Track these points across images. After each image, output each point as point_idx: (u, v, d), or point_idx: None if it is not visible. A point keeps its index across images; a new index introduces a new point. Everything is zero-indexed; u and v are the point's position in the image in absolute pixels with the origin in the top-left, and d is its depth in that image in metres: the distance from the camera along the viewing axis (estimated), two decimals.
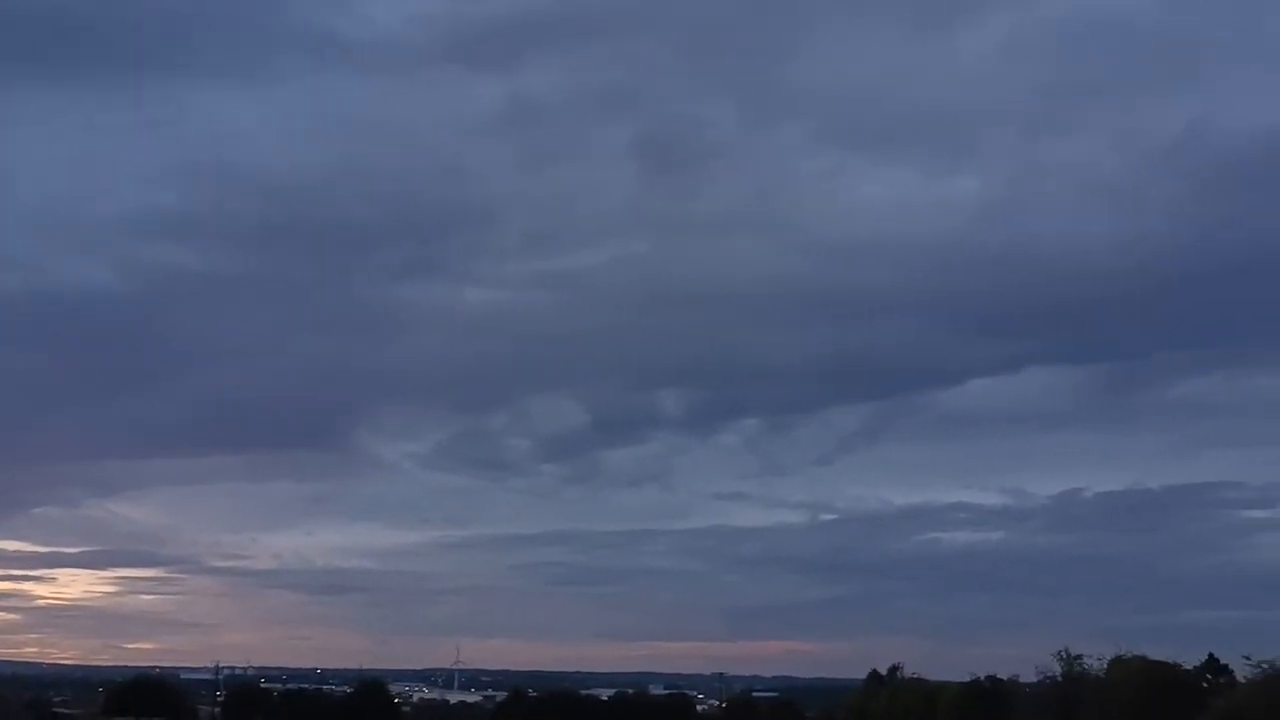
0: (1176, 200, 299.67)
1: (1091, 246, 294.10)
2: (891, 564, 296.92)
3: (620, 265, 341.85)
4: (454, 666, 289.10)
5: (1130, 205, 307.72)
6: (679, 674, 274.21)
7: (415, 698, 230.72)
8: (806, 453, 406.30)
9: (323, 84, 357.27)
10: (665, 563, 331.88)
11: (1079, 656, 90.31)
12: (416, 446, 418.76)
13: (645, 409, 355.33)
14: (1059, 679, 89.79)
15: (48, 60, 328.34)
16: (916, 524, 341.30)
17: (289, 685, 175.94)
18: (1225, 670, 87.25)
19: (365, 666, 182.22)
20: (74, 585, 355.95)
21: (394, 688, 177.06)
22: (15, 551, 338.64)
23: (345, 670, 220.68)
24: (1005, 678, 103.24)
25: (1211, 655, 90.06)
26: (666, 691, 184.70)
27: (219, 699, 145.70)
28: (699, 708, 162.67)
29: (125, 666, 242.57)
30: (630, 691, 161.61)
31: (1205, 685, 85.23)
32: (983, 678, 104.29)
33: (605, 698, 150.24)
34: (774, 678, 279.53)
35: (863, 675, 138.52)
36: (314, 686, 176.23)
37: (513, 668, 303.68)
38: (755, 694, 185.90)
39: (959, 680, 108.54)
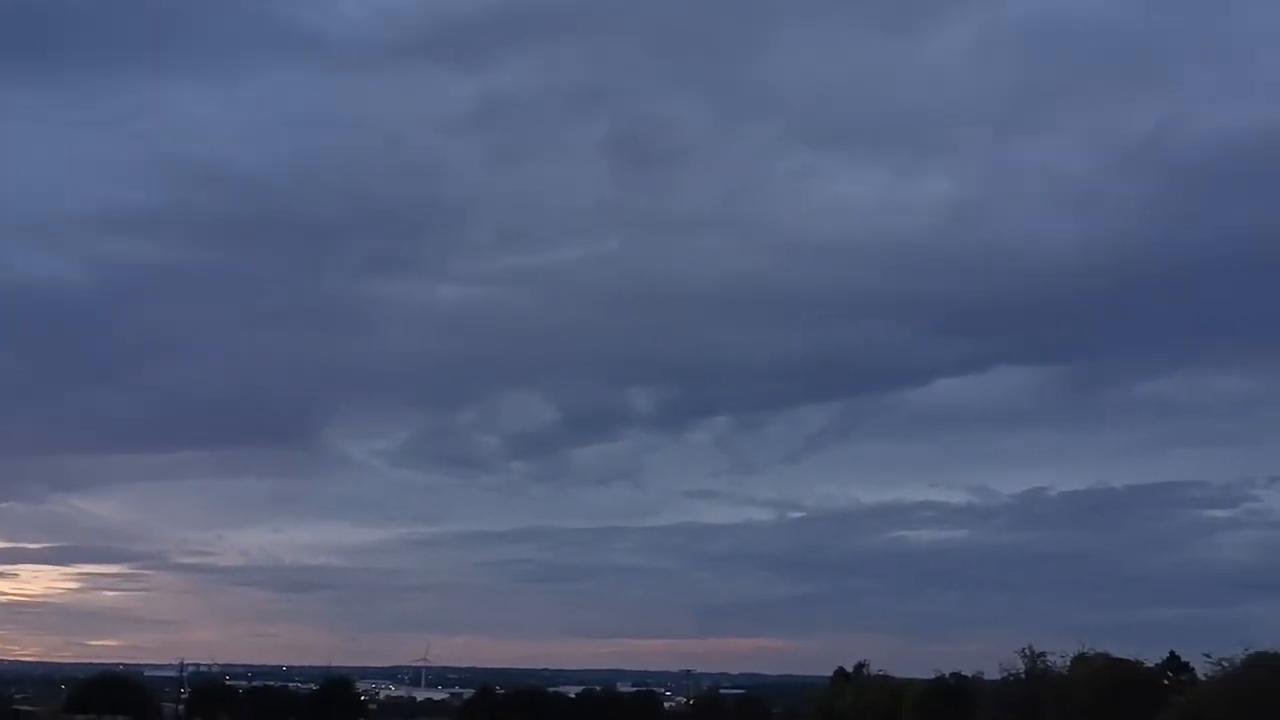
0: (1143, 201, 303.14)
1: (1058, 247, 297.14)
2: (859, 562, 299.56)
3: (591, 263, 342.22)
4: (421, 664, 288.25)
5: (1097, 206, 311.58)
6: (647, 671, 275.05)
7: (382, 695, 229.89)
8: (776, 451, 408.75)
9: (291, 79, 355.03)
10: (634, 560, 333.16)
11: (1042, 654, 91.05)
12: (385, 443, 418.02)
13: (615, 406, 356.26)
14: (1022, 676, 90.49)
15: (11, 54, 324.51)
16: (884, 522, 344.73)
17: (254, 683, 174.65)
18: (1186, 668, 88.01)
19: (331, 664, 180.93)
20: (36, 581, 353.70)
21: (360, 685, 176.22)
22: None
23: (311, 668, 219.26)
24: (970, 675, 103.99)
25: (1173, 653, 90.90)
26: (634, 689, 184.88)
27: (183, 696, 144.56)
28: (666, 705, 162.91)
29: (88, 664, 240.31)
30: (598, 689, 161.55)
31: (1166, 683, 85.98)
32: (948, 675, 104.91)
33: (573, 695, 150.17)
34: (742, 675, 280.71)
35: (830, 672, 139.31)
36: (280, 684, 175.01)
37: (480, 665, 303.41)
38: (723, 691, 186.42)
39: (925, 677, 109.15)
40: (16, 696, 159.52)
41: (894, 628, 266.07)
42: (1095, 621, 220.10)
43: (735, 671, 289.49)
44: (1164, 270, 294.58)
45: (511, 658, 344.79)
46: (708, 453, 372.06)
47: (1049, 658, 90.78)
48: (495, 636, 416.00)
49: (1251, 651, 73.90)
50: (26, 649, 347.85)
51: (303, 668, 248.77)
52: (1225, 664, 75.70)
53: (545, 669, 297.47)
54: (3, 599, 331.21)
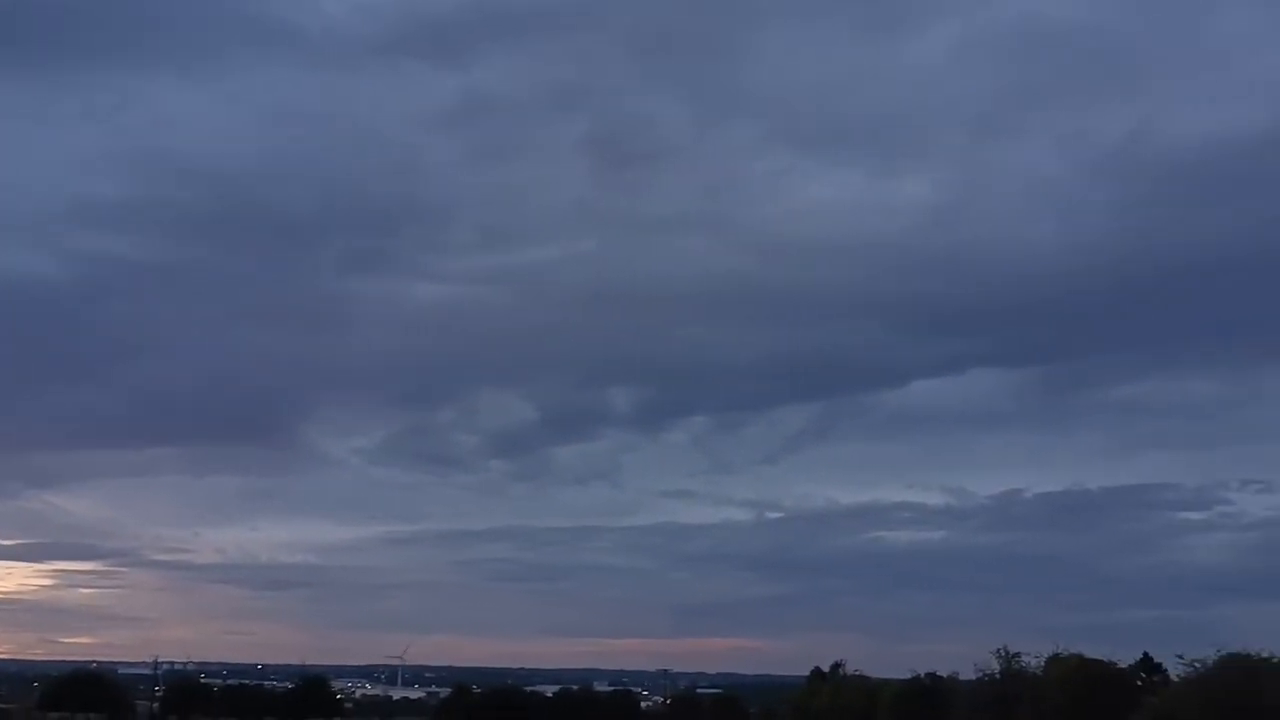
0: (1118, 205, 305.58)
1: (1035, 250, 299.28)
2: (836, 562, 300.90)
3: (570, 262, 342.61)
4: (397, 662, 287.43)
5: (1073, 209, 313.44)
6: (624, 670, 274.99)
7: (358, 694, 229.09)
8: (754, 451, 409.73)
9: (271, 74, 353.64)
10: (612, 560, 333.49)
11: (1017, 654, 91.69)
12: (363, 441, 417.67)
13: (594, 406, 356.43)
14: (997, 676, 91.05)
15: None
16: (861, 523, 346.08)
17: (229, 681, 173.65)
18: (1159, 669, 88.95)
19: (307, 662, 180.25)
20: (10, 578, 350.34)
21: (336, 684, 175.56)
22: None
23: (287, 666, 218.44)
24: (945, 675, 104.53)
25: (1146, 654, 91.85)
26: (611, 688, 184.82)
27: (157, 695, 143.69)
28: (643, 704, 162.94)
29: (62, 661, 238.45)
30: (575, 688, 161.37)
31: (1139, 683, 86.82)
32: (923, 675, 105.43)
33: (549, 694, 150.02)
34: (718, 674, 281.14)
35: (807, 672, 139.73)
36: (255, 682, 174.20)
37: (457, 664, 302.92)
38: (700, 691, 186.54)
39: (900, 677, 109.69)
40: None
41: (871, 628, 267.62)
42: (1070, 622, 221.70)
43: (712, 671, 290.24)
44: (1140, 274, 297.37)
45: (488, 657, 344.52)
46: (686, 453, 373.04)
47: (1024, 658, 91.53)
48: (472, 635, 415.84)
49: (1223, 653, 74.71)
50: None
51: (279, 666, 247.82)
52: (1197, 665, 76.49)
53: (522, 668, 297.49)
54: None
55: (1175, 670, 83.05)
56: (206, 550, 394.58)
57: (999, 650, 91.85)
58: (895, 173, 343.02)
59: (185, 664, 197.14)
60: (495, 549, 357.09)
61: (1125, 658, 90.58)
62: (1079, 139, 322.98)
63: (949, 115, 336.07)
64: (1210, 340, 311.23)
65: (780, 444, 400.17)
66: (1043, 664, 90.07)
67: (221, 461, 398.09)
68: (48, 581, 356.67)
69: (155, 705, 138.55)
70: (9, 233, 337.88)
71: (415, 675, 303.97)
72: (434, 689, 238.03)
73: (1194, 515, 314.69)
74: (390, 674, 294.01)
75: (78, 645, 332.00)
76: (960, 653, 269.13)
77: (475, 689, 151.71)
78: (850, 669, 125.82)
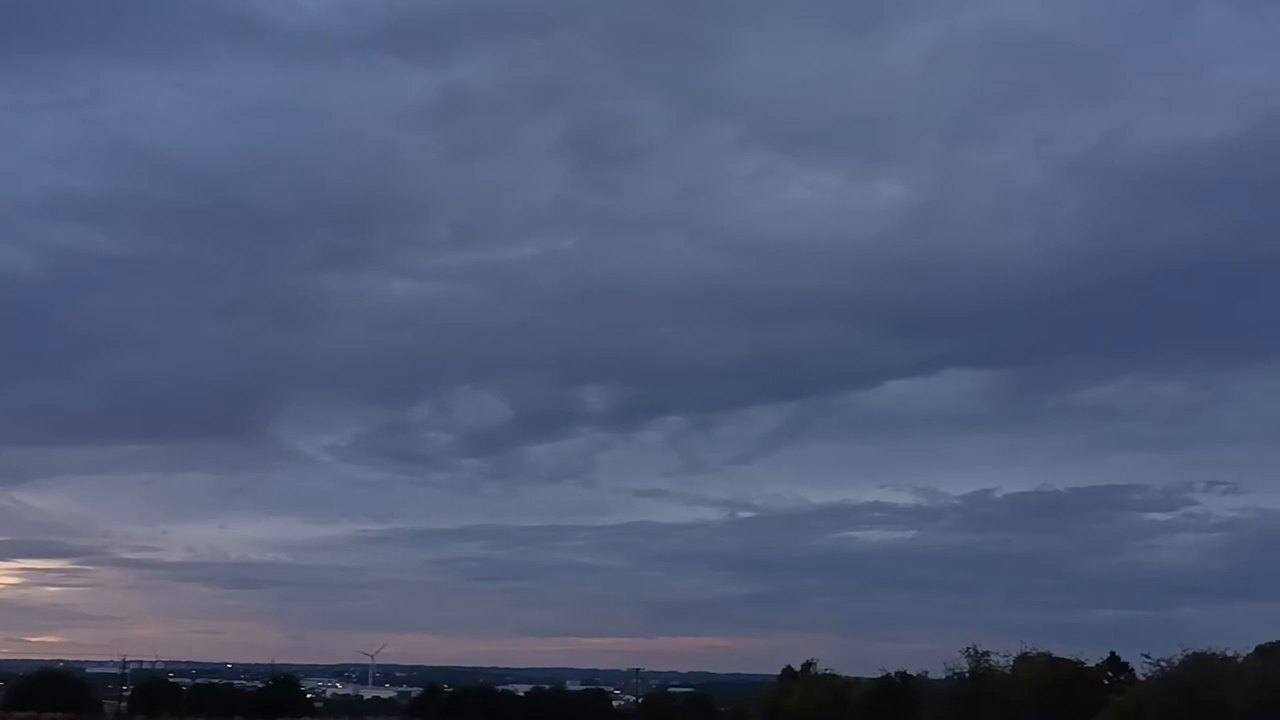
0: (1090, 209, 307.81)
1: (1008, 253, 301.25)
2: (808, 561, 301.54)
3: (547, 261, 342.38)
4: (368, 662, 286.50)
5: (1046, 213, 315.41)
6: (596, 669, 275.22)
7: (329, 693, 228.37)
8: (727, 451, 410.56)
9: (246, 69, 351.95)
10: (585, 559, 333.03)
11: (986, 653, 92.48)
12: (335, 439, 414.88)
13: (568, 405, 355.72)
14: (966, 675, 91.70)
15: None
16: (833, 522, 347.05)
17: (198, 680, 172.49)
18: (1126, 668, 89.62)
19: (277, 661, 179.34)
20: None
21: (307, 683, 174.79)
22: None
23: (257, 665, 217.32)
24: (915, 674, 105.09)
25: (1113, 653, 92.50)
26: (583, 687, 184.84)
27: (125, 694, 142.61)
28: (615, 703, 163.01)
29: (28, 660, 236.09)
30: (547, 687, 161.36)
31: (1106, 682, 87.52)
32: (893, 674, 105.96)
33: (521, 693, 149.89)
34: (690, 673, 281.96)
35: (778, 671, 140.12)
36: (224, 681, 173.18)
37: (428, 663, 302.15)
38: (672, 689, 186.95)
39: (871, 676, 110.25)
40: None
41: (842, 627, 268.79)
42: (1039, 622, 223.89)
43: (684, 670, 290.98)
44: (1110, 278, 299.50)
45: (460, 655, 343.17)
46: (660, 452, 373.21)
47: (992, 657, 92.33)
48: (444, 634, 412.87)
49: (1188, 653, 75.58)
50: None
51: (248, 665, 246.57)
52: (1163, 664, 77.36)
53: (494, 667, 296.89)
54: None
55: (1142, 670, 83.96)
56: (176, 548, 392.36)
57: (968, 649, 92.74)
58: (871, 175, 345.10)
59: (154, 663, 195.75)
60: (468, 548, 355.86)
61: (1092, 657, 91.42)
62: (1052, 144, 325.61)
63: (925, 118, 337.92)
64: (1179, 343, 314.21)
65: (753, 444, 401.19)
66: (1011, 663, 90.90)
67: (192, 458, 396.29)
68: (14, 579, 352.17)
69: (123, 704, 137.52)
70: None
71: (386, 674, 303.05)
72: (405, 688, 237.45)
73: (1161, 516, 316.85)
74: (361, 673, 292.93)
75: (45, 644, 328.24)
76: (930, 652, 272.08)
77: (447, 688, 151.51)
78: (821, 668, 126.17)
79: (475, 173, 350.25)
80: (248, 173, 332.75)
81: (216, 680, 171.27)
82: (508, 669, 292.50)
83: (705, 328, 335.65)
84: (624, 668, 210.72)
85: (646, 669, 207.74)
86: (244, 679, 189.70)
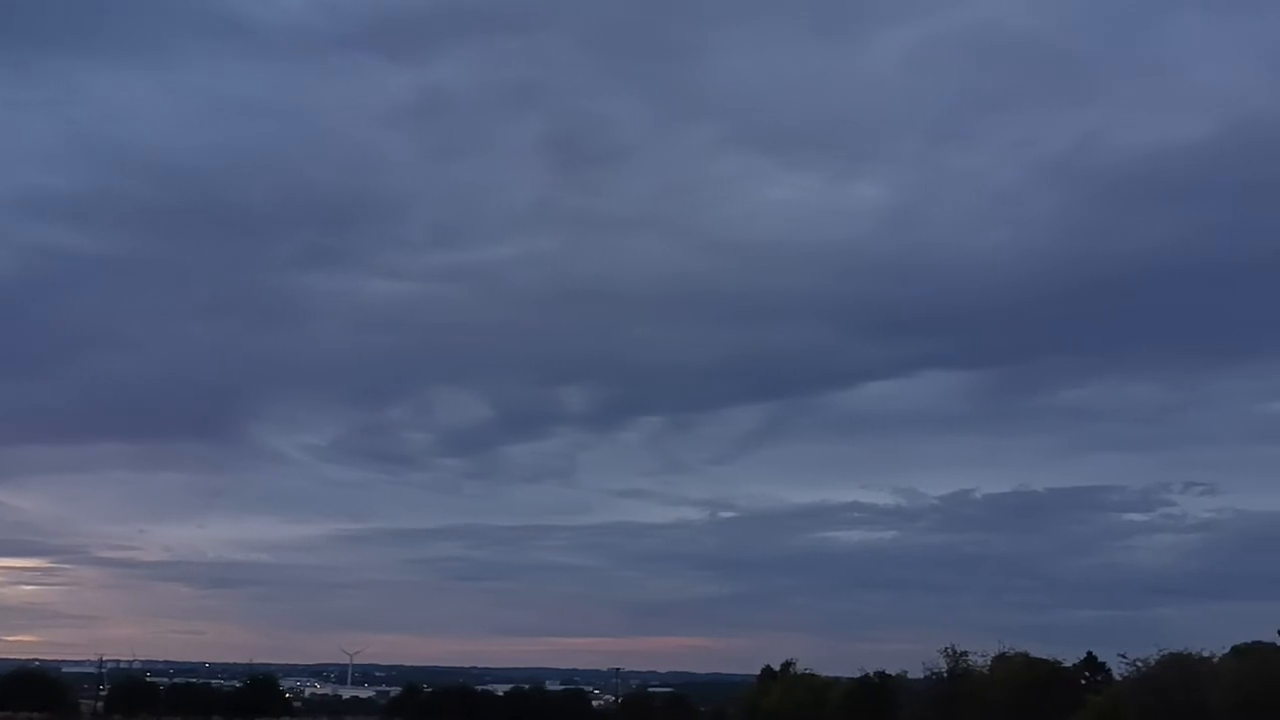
0: (1067, 211, 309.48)
1: (987, 255, 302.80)
2: (788, 562, 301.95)
3: (527, 261, 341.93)
4: (347, 661, 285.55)
5: (1023, 215, 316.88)
6: (575, 669, 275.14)
7: (307, 693, 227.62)
8: (707, 451, 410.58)
9: (225, 67, 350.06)
10: (565, 558, 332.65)
11: (964, 653, 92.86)
12: (314, 438, 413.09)
13: (548, 405, 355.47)
14: (944, 675, 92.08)
15: None
16: (813, 522, 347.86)
17: (176, 680, 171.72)
18: (1102, 668, 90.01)
19: (255, 661, 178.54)
20: None
21: (285, 683, 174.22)
22: None
23: (235, 665, 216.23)
24: (894, 674, 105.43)
25: (1090, 653, 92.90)
26: (562, 687, 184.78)
27: (101, 693, 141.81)
28: (595, 704, 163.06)
29: (4, 659, 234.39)
30: (526, 687, 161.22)
31: (1083, 682, 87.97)
32: (872, 674, 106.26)
33: (501, 693, 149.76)
34: (670, 673, 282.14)
35: (758, 671, 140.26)
36: (202, 681, 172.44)
37: (407, 663, 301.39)
38: (651, 689, 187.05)
39: (850, 676, 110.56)
40: None
41: (822, 627, 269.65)
42: (1017, 622, 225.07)
43: (664, 670, 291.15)
44: (1089, 279, 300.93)
45: (439, 655, 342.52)
46: (640, 452, 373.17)
47: (970, 657, 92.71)
48: (424, 634, 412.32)
49: (1165, 652, 76.08)
50: None
51: (227, 665, 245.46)
52: (1139, 664, 77.83)
53: (473, 667, 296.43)
54: None
55: (1118, 670, 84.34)
56: (154, 548, 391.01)
57: (947, 649, 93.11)
58: (850, 176, 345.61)
59: (131, 663, 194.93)
60: (447, 547, 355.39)
61: (1070, 657, 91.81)
62: (1031, 145, 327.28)
63: (904, 120, 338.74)
64: (1157, 345, 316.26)
65: (733, 444, 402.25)
66: (989, 663, 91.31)
67: (170, 458, 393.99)
68: None
69: (99, 704, 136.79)
70: None
71: (365, 674, 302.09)
72: (384, 688, 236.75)
73: (1138, 517, 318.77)
74: (340, 673, 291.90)
75: (21, 643, 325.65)
76: (909, 652, 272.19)
77: (426, 688, 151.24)
78: (801, 668, 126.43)
79: (456, 172, 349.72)
80: (228, 172, 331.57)
81: (194, 680, 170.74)
82: (487, 669, 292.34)
83: (685, 328, 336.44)
84: (604, 668, 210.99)
85: (626, 669, 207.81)
86: (222, 679, 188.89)
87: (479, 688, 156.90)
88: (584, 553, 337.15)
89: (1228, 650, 76.92)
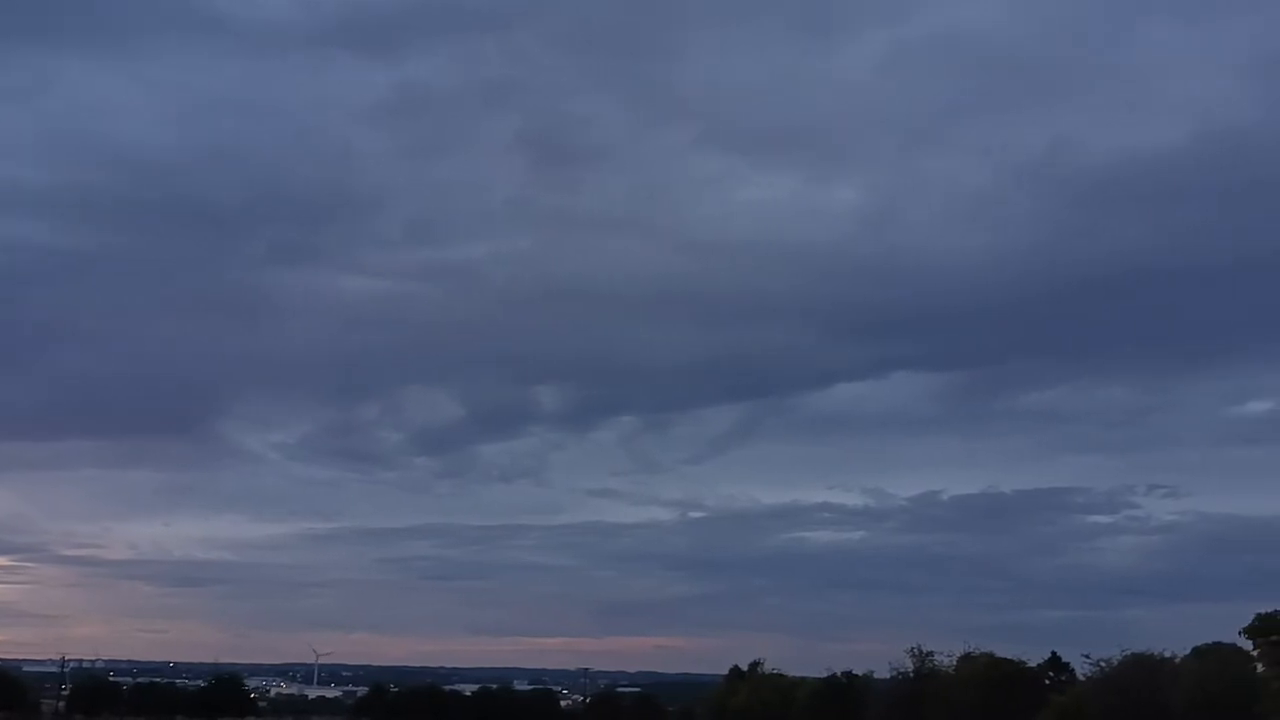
0: (1038, 215, 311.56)
1: (959, 258, 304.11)
2: (759, 562, 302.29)
3: (502, 259, 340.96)
4: (314, 661, 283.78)
5: (995, 219, 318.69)
6: (544, 669, 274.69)
7: (273, 693, 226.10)
8: (680, 451, 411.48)
9: (199, 61, 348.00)
10: (536, 558, 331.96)
11: (931, 653, 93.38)
12: (284, 436, 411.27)
13: (521, 404, 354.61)
14: (911, 675, 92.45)
15: None
16: (783, 523, 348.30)
17: (139, 679, 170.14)
18: (1066, 668, 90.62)
19: (221, 660, 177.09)
20: None
21: (251, 683, 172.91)
22: None
23: (200, 664, 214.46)
24: (861, 674, 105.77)
25: (1054, 653, 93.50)
26: (531, 687, 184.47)
27: (63, 693, 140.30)
28: (563, 704, 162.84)
29: None
30: (494, 687, 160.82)
31: (1047, 682, 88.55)
32: (840, 674, 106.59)
33: (468, 693, 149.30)
34: (639, 673, 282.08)
35: (727, 671, 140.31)
36: (166, 681, 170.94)
37: (375, 663, 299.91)
38: (620, 689, 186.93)
39: (817, 675, 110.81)
40: None
41: (791, 627, 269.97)
42: (983, 622, 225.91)
43: (633, 670, 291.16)
44: (1058, 283, 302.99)
45: (408, 655, 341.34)
46: (612, 452, 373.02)
47: (937, 657, 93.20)
48: (393, 634, 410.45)
49: (1128, 652, 76.75)
50: None
51: (191, 664, 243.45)
52: (1103, 664, 78.47)
53: (441, 667, 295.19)
54: None
55: (1082, 669, 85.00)
56: (119, 546, 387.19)
57: (913, 649, 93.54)
58: (826, 178, 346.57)
59: (94, 662, 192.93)
60: (418, 546, 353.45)
61: (1035, 657, 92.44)
62: (1002, 150, 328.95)
63: (879, 123, 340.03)
64: (1125, 348, 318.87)
65: (706, 444, 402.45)
66: (954, 663, 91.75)
67: (137, 455, 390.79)
68: None
69: (60, 704, 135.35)
70: None
71: (332, 674, 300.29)
72: (351, 688, 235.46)
73: (1103, 519, 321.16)
74: (306, 673, 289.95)
75: None
76: (877, 651, 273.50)
77: (393, 688, 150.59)
78: (769, 668, 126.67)
79: (430, 170, 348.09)
80: (199, 167, 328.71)
81: (158, 680, 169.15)
82: (455, 669, 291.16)
83: (659, 328, 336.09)
84: (573, 667, 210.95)
85: (595, 669, 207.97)
86: (186, 678, 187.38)
87: (447, 688, 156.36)
88: (556, 552, 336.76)
89: (1189, 651, 77.65)
